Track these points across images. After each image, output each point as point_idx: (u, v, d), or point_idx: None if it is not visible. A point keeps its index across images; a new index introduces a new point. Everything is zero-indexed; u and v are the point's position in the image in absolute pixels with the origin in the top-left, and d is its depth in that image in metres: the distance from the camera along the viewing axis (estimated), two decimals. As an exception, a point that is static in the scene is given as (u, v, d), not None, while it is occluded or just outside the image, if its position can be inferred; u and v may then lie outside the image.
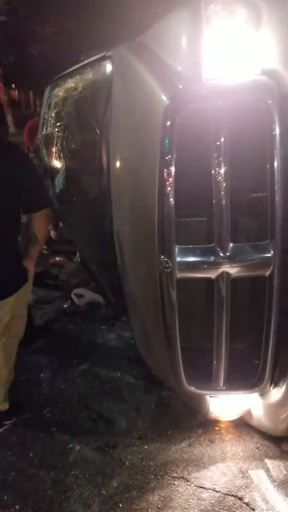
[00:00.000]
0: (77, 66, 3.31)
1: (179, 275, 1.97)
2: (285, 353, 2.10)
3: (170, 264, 1.95)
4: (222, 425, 2.62)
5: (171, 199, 1.88)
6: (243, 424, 2.60)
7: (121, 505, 2.15)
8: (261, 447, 2.47)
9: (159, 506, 2.14)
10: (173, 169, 1.85)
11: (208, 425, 2.62)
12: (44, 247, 5.89)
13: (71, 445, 2.53)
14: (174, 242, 1.94)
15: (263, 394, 2.29)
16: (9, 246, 2.38)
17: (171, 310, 2.03)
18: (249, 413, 2.50)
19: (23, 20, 15.40)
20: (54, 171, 3.60)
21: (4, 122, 4.49)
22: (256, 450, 2.46)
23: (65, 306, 4.19)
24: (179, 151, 1.85)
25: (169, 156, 1.84)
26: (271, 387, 2.21)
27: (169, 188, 1.87)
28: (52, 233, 6.08)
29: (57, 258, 5.37)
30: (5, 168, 2.22)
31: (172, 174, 1.85)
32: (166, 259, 1.95)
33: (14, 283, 2.39)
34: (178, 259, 1.94)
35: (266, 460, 2.39)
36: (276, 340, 2.07)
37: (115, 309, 3.55)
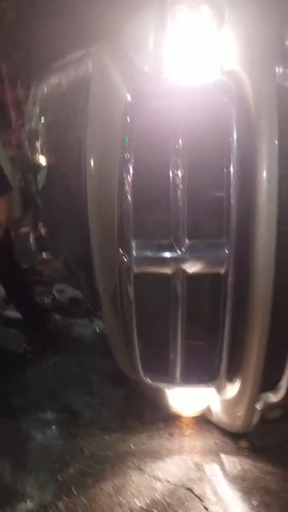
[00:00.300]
0: (61, 62, 3.37)
1: (136, 269, 2.03)
2: (240, 350, 2.15)
3: (128, 258, 2.01)
4: (184, 421, 2.67)
5: (129, 195, 1.94)
6: (205, 421, 2.65)
7: (74, 491, 2.21)
8: (219, 443, 2.52)
9: (111, 493, 2.19)
10: (131, 166, 1.91)
11: (170, 420, 2.67)
12: (32, 244, 5.96)
13: (34, 433, 2.59)
14: (132, 237, 2.00)
15: (220, 391, 2.35)
16: None
17: (129, 303, 2.09)
18: (209, 409, 2.56)
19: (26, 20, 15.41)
20: (37, 167, 3.66)
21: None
22: (214, 445, 2.50)
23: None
24: (138, 149, 1.91)
25: (128, 154, 1.91)
26: (227, 383, 2.27)
27: (127, 187, 1.94)
28: (42, 230, 6.13)
29: (44, 255, 5.41)
30: None
31: (130, 171, 1.92)
32: (124, 254, 2.01)
33: None
34: (135, 254, 2.00)
35: (222, 455, 2.43)
36: (231, 336, 2.12)
37: (92, 305, 3.60)
